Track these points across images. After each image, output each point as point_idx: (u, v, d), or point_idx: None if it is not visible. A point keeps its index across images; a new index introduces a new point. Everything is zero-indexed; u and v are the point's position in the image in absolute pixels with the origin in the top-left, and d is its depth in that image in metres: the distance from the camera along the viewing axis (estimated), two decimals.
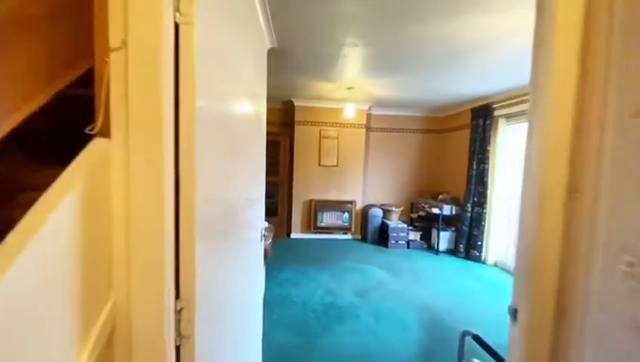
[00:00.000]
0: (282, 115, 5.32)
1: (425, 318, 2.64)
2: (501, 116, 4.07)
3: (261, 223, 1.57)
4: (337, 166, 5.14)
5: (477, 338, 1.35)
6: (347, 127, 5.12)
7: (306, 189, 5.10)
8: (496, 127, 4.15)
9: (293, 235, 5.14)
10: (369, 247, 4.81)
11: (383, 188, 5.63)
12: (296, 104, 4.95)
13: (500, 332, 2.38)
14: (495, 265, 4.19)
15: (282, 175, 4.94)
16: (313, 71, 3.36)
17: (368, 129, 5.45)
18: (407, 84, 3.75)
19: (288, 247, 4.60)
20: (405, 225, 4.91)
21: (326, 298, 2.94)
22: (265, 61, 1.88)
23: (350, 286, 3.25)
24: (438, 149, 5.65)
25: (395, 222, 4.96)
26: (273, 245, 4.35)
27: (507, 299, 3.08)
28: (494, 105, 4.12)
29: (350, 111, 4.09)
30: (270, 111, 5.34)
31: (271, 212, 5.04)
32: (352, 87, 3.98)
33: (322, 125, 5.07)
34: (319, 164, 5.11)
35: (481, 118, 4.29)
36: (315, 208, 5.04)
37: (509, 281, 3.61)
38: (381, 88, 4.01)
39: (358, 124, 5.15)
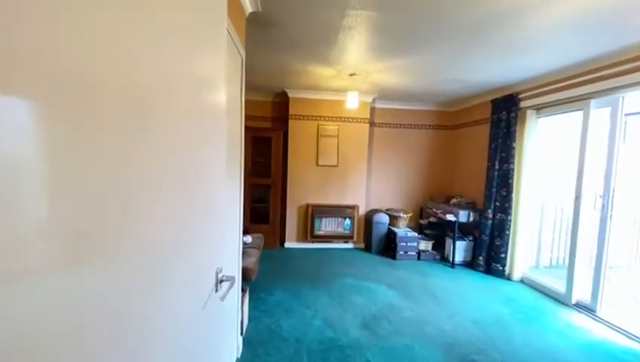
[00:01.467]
0: (274, 108, 4.72)
1: (452, 361, 2.04)
2: (529, 107, 3.48)
3: (216, 264, 0.95)
4: (337, 166, 4.54)
5: None
6: (349, 121, 4.52)
7: (301, 193, 4.50)
8: (524, 121, 3.55)
9: (287, 245, 4.53)
10: (374, 259, 4.21)
11: (389, 191, 5.03)
12: (290, 95, 4.35)
13: None
14: (522, 281, 3.59)
15: (275, 176, 4.34)
16: (308, 49, 2.76)
17: (372, 124, 4.85)
18: (419, 68, 3.16)
19: (281, 260, 3.99)
20: (415, 234, 4.31)
21: (325, 332, 2.34)
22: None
23: (354, 314, 2.64)
24: (450, 148, 5.05)
25: (403, 230, 4.36)
26: (263, 257, 3.76)
27: (546, 325, 2.47)
28: (521, 95, 3.52)
29: (353, 101, 3.49)
30: (260, 105, 4.78)
31: (261, 218, 4.43)
32: (354, 74, 3.38)
33: (320, 120, 4.47)
34: (317, 164, 4.50)
35: (505, 111, 3.69)
36: (313, 214, 4.44)
37: (541, 302, 3.02)
38: (388, 75, 3.41)
39: (361, 119, 4.55)
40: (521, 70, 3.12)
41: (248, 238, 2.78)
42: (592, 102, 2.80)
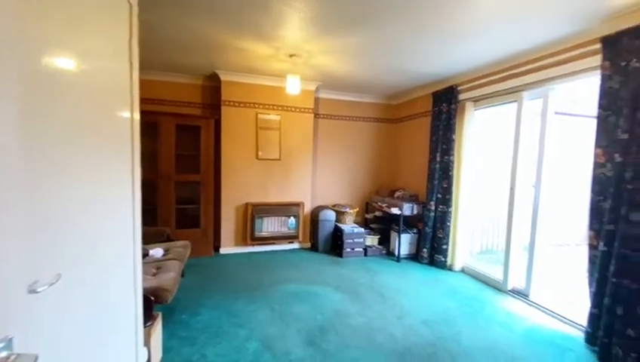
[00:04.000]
0: (205, 93, 4.08)
1: None
2: (468, 100, 3.52)
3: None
4: (280, 160, 4.13)
5: None
6: (291, 110, 4.13)
7: (239, 190, 3.98)
8: (463, 113, 3.60)
9: (223, 250, 3.98)
10: (320, 259, 3.93)
11: (336, 186, 4.80)
12: (222, 78, 3.78)
13: None
14: (463, 271, 3.67)
15: (205, 172, 3.74)
16: (235, 16, 2.28)
17: (317, 115, 4.54)
18: (361, 52, 2.92)
19: (214, 269, 3.45)
20: (362, 230, 4.15)
21: (262, 357, 1.94)
22: None
23: (298, 328, 2.29)
24: (394, 140, 5.02)
25: (350, 226, 4.16)
26: (191, 268, 3.19)
27: (489, 316, 2.37)
28: (460, 88, 3.55)
29: (293, 86, 3.11)
30: (187, 89, 4.05)
31: (190, 222, 3.80)
32: (294, 55, 3.00)
33: (259, 107, 3.99)
34: (257, 158, 4.03)
35: (445, 103, 3.70)
36: (253, 214, 3.97)
37: (482, 291, 3.07)
38: (331, 58, 3.12)
39: (305, 109, 4.20)
40: (460, 62, 3.11)
41: (158, 251, 2.23)
42: (525, 94, 2.89)
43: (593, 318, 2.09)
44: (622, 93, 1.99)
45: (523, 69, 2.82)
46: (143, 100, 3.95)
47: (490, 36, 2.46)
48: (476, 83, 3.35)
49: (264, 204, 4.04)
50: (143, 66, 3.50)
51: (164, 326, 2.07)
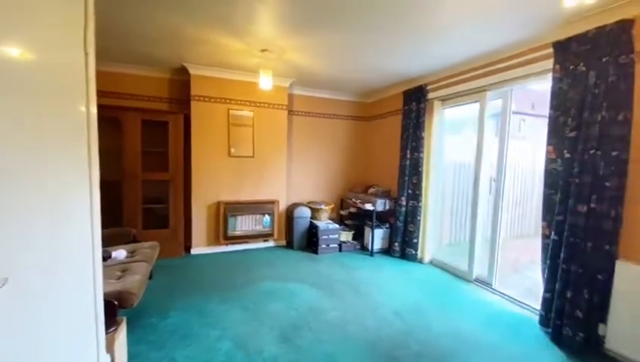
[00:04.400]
0: (173, 87, 3.92)
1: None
2: (436, 98, 3.66)
3: None
4: (253, 157, 4.06)
5: None
6: (265, 107, 4.07)
7: (211, 189, 3.87)
8: (431, 111, 3.74)
9: (194, 251, 3.86)
10: (296, 256, 3.93)
11: (311, 183, 4.81)
12: (192, 72, 3.64)
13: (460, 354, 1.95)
14: (431, 263, 3.83)
15: (174, 170, 3.59)
16: (206, 7, 2.20)
17: (291, 112, 4.52)
18: (334, 49, 2.94)
19: (184, 270, 3.34)
20: (337, 226, 4.20)
21: (235, 357, 1.92)
22: None
23: (272, 326, 2.29)
24: (368, 138, 5.12)
25: (325, 223, 4.20)
26: (160, 270, 3.07)
27: (455, 305, 2.54)
28: (429, 87, 3.68)
29: (266, 81, 3.07)
30: (154, 83, 3.83)
31: (158, 222, 3.65)
32: (266, 50, 2.96)
33: (231, 103, 3.89)
34: (229, 155, 3.93)
35: (415, 102, 3.83)
36: (225, 213, 3.87)
37: (449, 281, 3.23)
38: (304, 54, 3.11)
39: (279, 105, 4.16)
40: (429, 62, 3.22)
41: (121, 253, 2.12)
42: (488, 94, 3.05)
43: (546, 302, 2.28)
44: (570, 94, 2.16)
45: (486, 70, 2.98)
46: (105, 94, 3.74)
47: (455, 38, 2.58)
48: (444, 83, 3.49)
49: (237, 203, 3.96)
50: (105, 57, 3.33)
51: (130, 330, 1.99)
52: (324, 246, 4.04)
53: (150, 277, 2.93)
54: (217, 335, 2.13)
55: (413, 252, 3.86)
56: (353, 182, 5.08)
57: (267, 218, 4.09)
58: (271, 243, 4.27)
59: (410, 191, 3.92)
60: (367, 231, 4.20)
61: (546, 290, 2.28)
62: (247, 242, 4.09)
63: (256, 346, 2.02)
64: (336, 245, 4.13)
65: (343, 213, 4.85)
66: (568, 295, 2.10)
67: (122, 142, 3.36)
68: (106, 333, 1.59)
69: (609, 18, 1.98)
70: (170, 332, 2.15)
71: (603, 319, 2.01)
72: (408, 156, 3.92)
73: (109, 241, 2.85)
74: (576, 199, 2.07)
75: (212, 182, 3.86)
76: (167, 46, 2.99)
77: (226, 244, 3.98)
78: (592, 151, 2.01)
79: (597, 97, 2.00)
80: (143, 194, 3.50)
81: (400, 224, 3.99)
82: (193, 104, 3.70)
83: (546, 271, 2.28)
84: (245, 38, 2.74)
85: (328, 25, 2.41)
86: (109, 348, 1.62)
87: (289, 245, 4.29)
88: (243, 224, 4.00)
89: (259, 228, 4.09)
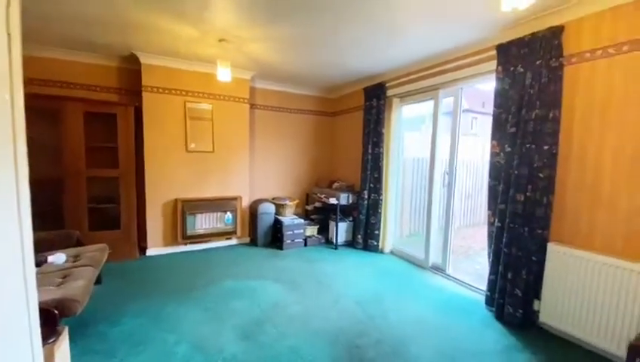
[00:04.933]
0: (122, 77, 3.62)
1: (340, 354, 1.94)
2: (395, 96, 3.80)
3: None
4: (213, 152, 3.90)
5: None
6: (225, 100, 3.92)
7: (167, 186, 3.66)
8: (390, 108, 3.87)
9: (150, 252, 3.64)
10: (260, 253, 3.88)
11: (275, 178, 4.76)
12: (143, 61, 3.39)
13: (415, 339, 2.05)
14: (392, 253, 4.00)
15: (125, 166, 3.33)
16: None
17: (253, 106, 4.41)
18: (295, 42, 2.91)
19: (139, 273, 3.13)
20: (302, 221, 4.21)
21: (193, 358, 1.85)
22: None
23: (233, 324, 2.24)
24: (332, 133, 5.17)
25: (290, 218, 4.18)
26: (112, 274, 2.86)
27: (413, 291, 2.69)
28: (388, 84, 3.81)
29: (224, 73, 2.95)
30: (100, 71, 3.45)
31: (108, 223, 3.37)
32: (224, 40, 2.84)
33: (188, 95, 3.69)
34: (187, 150, 3.74)
35: (375, 98, 3.94)
36: (184, 211, 3.69)
37: (407, 270, 3.40)
38: (264, 46, 3.03)
39: (240, 98, 4.03)
40: (388, 59, 3.32)
41: (60, 258, 1.93)
42: (440, 92, 3.23)
43: (491, 283, 2.49)
44: (510, 93, 2.36)
45: (439, 69, 3.15)
46: (40, 82, 3.35)
47: (411, 37, 2.68)
48: (401, 80, 3.62)
49: (197, 200, 3.79)
50: (41, 41, 2.95)
51: (75, 340, 1.83)
52: (289, 241, 4.03)
53: (98, 282, 2.72)
54: (174, 339, 2.03)
55: (375, 243, 4.00)
56: (318, 177, 5.11)
57: (229, 215, 3.97)
58: (234, 241, 4.17)
59: (371, 185, 4.04)
60: (332, 225, 4.26)
61: (490, 273, 2.50)
62: (208, 241, 3.94)
63: (217, 346, 1.97)
64: (301, 240, 4.14)
65: (308, 207, 4.87)
66: (509, 276, 2.32)
67: (63, 135, 3.05)
68: (45, 345, 1.45)
69: (542, 25, 2.19)
70: (122, 340, 2.01)
71: (537, 296, 2.25)
72: (370, 151, 4.03)
73: (48, 245, 2.57)
74: (516, 189, 2.28)
75: (168, 179, 3.65)
76: (111, 31, 2.74)
77: (186, 244, 3.80)
78: (528, 146, 2.22)
79: (532, 97, 2.21)
80: (90, 193, 3.21)
81: (363, 217, 4.10)
82: (145, 95, 3.45)
83: (491, 255, 2.49)
84: (200, 26, 2.61)
85: (289, 18, 2.38)
86: (48, 360, 1.48)
87: (253, 242, 4.22)
88: (203, 222, 3.84)
89: (221, 225, 3.95)
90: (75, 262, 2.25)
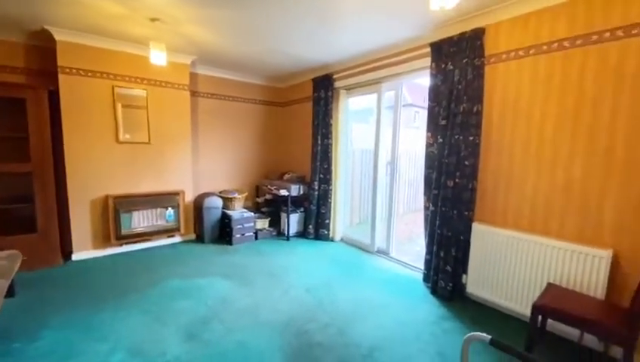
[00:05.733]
0: (29, 54, 3.10)
1: (289, 341, 1.97)
2: (342, 88, 3.88)
3: None
4: (150, 143, 3.58)
5: (496, 343, 1.05)
6: (161, 85, 3.60)
7: (94, 181, 3.27)
8: (338, 100, 3.95)
9: (78, 256, 3.24)
10: (207, 249, 3.71)
11: (222, 171, 4.55)
12: (58, 38, 2.93)
13: (363, 324, 2.00)
14: (342, 241, 4.15)
15: (39, 160, 2.88)
16: None
17: (195, 93, 4.12)
18: (239, 26, 2.78)
19: (64, 281, 2.78)
20: (252, 214, 4.11)
21: None
22: None
23: (178, 324, 2.12)
24: (282, 124, 5.10)
25: (239, 212, 4.06)
26: (29, 283, 2.51)
27: (360, 274, 2.84)
28: (335, 76, 3.87)
29: (159, 57, 2.69)
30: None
31: (21, 226, 2.91)
32: (157, 19, 2.59)
33: (117, 79, 3.30)
34: (117, 141, 3.37)
35: (323, 90, 3.98)
36: (116, 208, 3.34)
37: (356, 255, 3.57)
38: (204, 29, 2.84)
39: (179, 84, 3.73)
40: (334, 51, 3.36)
41: None
42: (383, 85, 3.38)
43: (427, 262, 2.75)
44: (442, 88, 2.58)
45: (382, 63, 3.29)
46: None
47: (354, 30, 2.74)
48: (348, 72, 3.71)
49: (132, 196, 3.46)
50: None
51: None
52: (238, 236, 3.92)
53: (10, 295, 2.37)
54: (108, 348, 1.86)
55: (326, 232, 4.10)
56: (269, 169, 5.03)
57: (171, 211, 3.71)
58: (178, 239, 3.92)
59: (321, 175, 4.11)
60: (284, 216, 4.25)
61: (427, 253, 2.75)
62: (148, 240, 3.64)
63: (158, 350, 1.85)
64: (251, 233, 4.06)
65: (258, 200, 4.78)
66: (442, 254, 2.58)
67: None
68: None
69: (468, 26, 2.41)
70: (43, 356, 1.78)
71: (465, 270, 2.54)
72: (319, 142, 4.07)
73: None
74: (446, 176, 2.52)
75: (96, 173, 3.26)
76: (25, 4, 2.31)
77: (121, 245, 3.46)
78: (456, 137, 2.46)
79: (460, 92, 2.44)
80: None
81: (314, 207, 4.17)
82: (62, 78, 3.00)
83: (427, 237, 2.74)
84: (128, 3, 2.33)
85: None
86: None
87: (199, 239, 4.01)
88: (141, 220, 3.53)
89: (161, 223, 3.67)
90: None
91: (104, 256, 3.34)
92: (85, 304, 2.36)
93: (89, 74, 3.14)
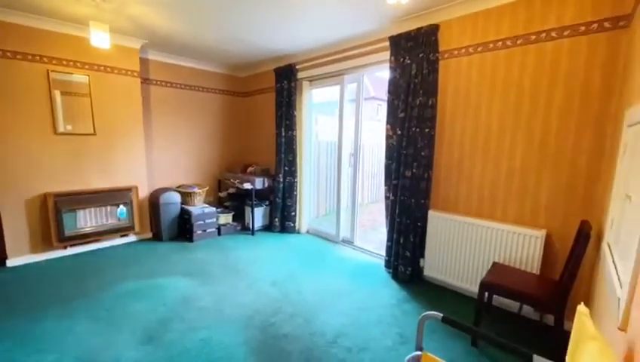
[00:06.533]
0: None
1: (253, 335, 1.96)
2: (305, 79, 3.85)
3: None
4: (95, 134, 3.27)
5: (447, 320, 1.16)
6: (106, 71, 3.28)
7: (29, 178, 2.91)
8: (301, 91, 3.91)
9: (13, 262, 2.89)
10: (166, 247, 3.52)
11: (180, 164, 4.31)
12: None
13: (331, 314, 1.99)
14: (308, 232, 4.19)
15: None
16: None
17: (147, 80, 3.83)
18: (192, 9, 2.61)
19: None
20: (214, 209, 3.97)
21: None
22: None
23: (133, 328, 2.00)
24: (244, 115, 4.94)
25: (199, 207, 3.89)
26: None
27: (325, 264, 2.92)
28: (298, 67, 3.82)
29: (100, 39, 2.43)
30: None
31: None
32: None
33: (53, 63, 2.95)
34: (55, 132, 3.02)
35: (286, 80, 3.91)
36: (58, 207, 3.02)
37: (321, 246, 3.62)
38: (154, 10, 2.62)
39: (127, 70, 3.43)
40: (296, 41, 3.30)
41: None
42: (345, 77, 3.41)
43: (388, 249, 2.87)
44: (400, 82, 2.66)
45: (344, 55, 3.31)
46: None
47: (313, 17, 2.69)
48: (310, 64, 3.68)
49: (76, 193, 3.15)
50: None
51: None
52: (199, 232, 3.76)
53: None
54: (54, 359, 1.70)
55: (292, 225, 4.10)
56: (231, 162, 4.87)
57: (123, 208, 3.44)
58: (132, 238, 3.66)
59: (286, 168, 4.07)
60: (248, 210, 4.16)
61: (388, 240, 2.87)
62: (97, 241, 3.36)
63: (111, 356, 1.73)
64: (214, 229, 3.92)
65: (221, 194, 4.62)
66: (401, 241, 2.71)
67: None
68: None
69: (425, 21, 2.51)
70: None
71: (422, 255, 2.70)
72: (283, 134, 4.02)
73: None
74: (405, 166, 2.63)
75: (29, 170, 2.91)
76: None
77: (65, 247, 3.15)
78: (413, 129, 2.57)
79: (417, 85, 2.54)
80: None
81: (279, 200, 4.13)
82: None
83: (388, 225, 2.86)
84: None
85: None
86: None
87: (156, 237, 3.79)
88: (88, 219, 3.23)
89: (113, 221, 3.40)
90: None
91: (46, 261, 3.03)
92: (24, 313, 2.13)
93: (18, 56, 2.75)
